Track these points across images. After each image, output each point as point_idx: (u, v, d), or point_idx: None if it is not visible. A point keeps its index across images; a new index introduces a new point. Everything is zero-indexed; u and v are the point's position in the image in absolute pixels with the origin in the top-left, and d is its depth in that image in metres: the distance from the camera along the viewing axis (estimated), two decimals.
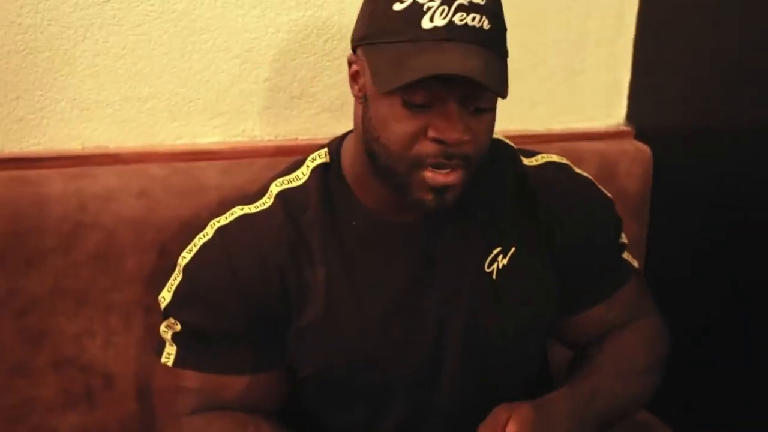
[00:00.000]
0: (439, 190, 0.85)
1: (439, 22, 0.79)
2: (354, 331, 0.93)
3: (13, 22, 1.11)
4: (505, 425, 0.87)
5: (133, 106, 1.21)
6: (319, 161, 0.98)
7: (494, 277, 0.97)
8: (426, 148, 0.83)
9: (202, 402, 0.93)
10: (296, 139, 1.31)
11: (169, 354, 0.94)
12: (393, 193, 0.89)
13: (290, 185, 0.96)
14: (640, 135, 1.50)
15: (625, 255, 1.12)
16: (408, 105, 0.81)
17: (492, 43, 0.82)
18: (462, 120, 0.81)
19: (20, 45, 1.12)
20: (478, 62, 0.79)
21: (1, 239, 1.08)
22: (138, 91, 1.21)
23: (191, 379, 0.93)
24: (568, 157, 1.11)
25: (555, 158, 1.08)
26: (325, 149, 0.99)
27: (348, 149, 0.97)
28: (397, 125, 0.82)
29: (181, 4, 1.18)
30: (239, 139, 1.29)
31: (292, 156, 1.23)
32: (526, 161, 1.05)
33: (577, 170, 1.10)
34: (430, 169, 0.84)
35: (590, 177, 1.10)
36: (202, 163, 1.21)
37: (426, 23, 0.79)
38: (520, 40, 1.38)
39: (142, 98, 1.21)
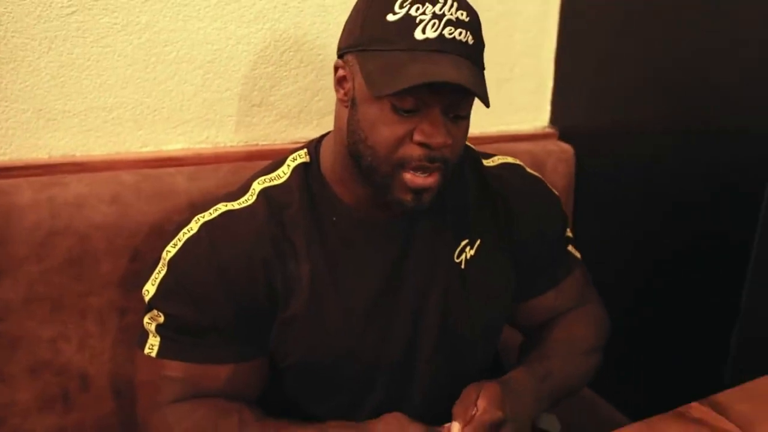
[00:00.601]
0: (418, 191, 0.84)
1: (431, 34, 0.78)
2: (336, 324, 0.91)
3: None
4: (476, 401, 0.88)
5: (99, 115, 1.15)
6: (299, 161, 0.95)
7: (463, 266, 0.97)
8: (411, 151, 0.82)
9: (185, 391, 0.89)
10: (257, 144, 1.27)
11: (153, 345, 0.89)
12: (373, 192, 0.88)
13: (272, 183, 0.93)
14: (563, 136, 1.53)
15: (570, 248, 1.13)
16: (397, 110, 0.80)
17: (475, 56, 0.83)
18: (445, 126, 0.81)
19: None
20: (467, 73, 0.79)
21: None
22: (103, 101, 1.14)
23: (175, 369, 0.89)
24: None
25: (509, 159, 1.09)
26: (305, 149, 0.96)
27: (327, 149, 0.94)
28: (386, 128, 0.81)
29: (145, 16, 1.13)
30: (203, 145, 1.24)
31: (255, 161, 1.21)
32: (485, 162, 1.06)
33: (529, 170, 1.10)
34: (411, 172, 0.83)
35: (540, 176, 1.11)
36: (171, 169, 1.16)
37: (419, 34, 0.78)
38: None
39: (108, 108, 1.15)
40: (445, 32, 0.79)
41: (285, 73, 1.26)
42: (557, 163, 1.47)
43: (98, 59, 1.12)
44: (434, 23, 0.79)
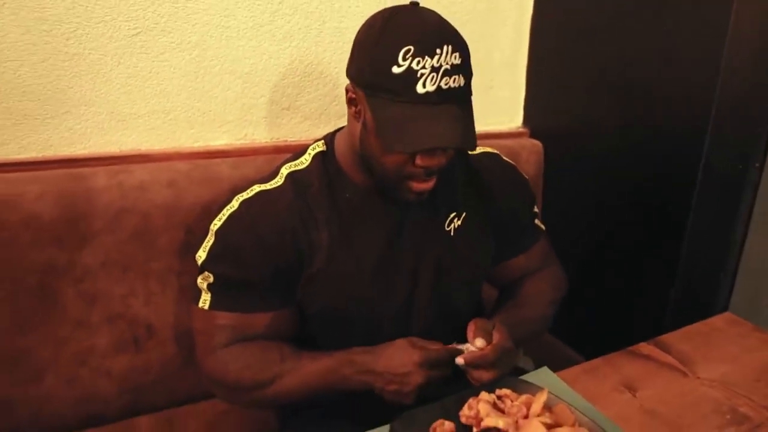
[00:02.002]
0: (420, 193, 0.85)
1: (430, 87, 0.75)
2: (350, 278, 0.90)
3: (61, 51, 1.03)
4: (491, 331, 0.87)
5: (159, 117, 1.14)
6: (318, 149, 0.94)
7: (452, 234, 0.96)
8: (414, 170, 0.82)
9: (234, 336, 0.89)
10: (286, 140, 1.26)
11: (205, 300, 0.89)
12: (386, 190, 0.88)
13: (297, 168, 0.92)
14: (534, 134, 1.50)
15: (537, 221, 1.12)
16: None
17: (466, 96, 0.81)
18: (440, 152, 0.81)
19: (67, 69, 1.04)
20: (461, 127, 0.77)
21: (59, 223, 1.00)
22: (162, 105, 1.14)
23: (224, 318, 0.89)
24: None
25: (489, 149, 1.07)
26: (322, 140, 0.95)
27: (341, 142, 0.93)
28: (394, 157, 0.81)
29: (195, 36, 1.12)
30: (242, 141, 1.23)
31: (283, 154, 1.18)
32: (469, 152, 1.03)
33: (504, 158, 1.09)
34: (415, 180, 0.83)
35: (514, 163, 1.10)
36: (217, 160, 1.15)
37: (420, 88, 0.75)
38: None
39: (166, 111, 1.14)
40: (442, 84, 0.75)
41: (308, 83, 1.25)
42: (529, 155, 1.44)
43: (158, 71, 1.11)
44: (432, 77, 0.75)
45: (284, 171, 0.93)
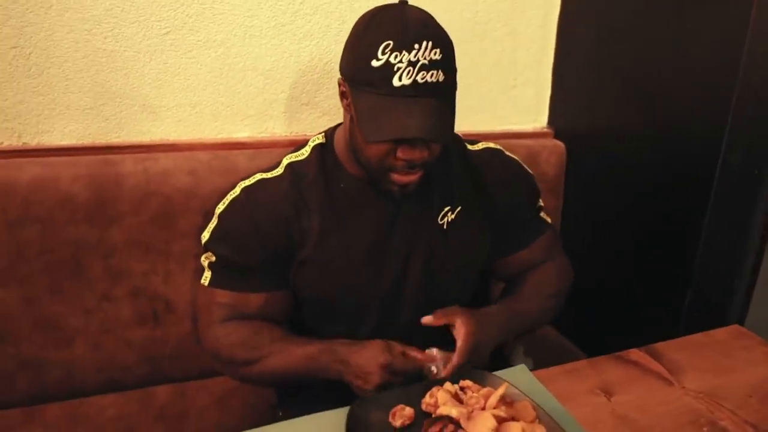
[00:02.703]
0: (402, 185, 0.87)
1: (406, 81, 0.77)
2: (338, 265, 0.93)
3: (99, 48, 1.13)
4: (454, 317, 0.91)
5: (186, 110, 1.23)
6: (317, 142, 0.98)
7: (445, 227, 0.97)
8: (395, 162, 0.84)
9: (230, 313, 0.95)
10: (305, 134, 1.31)
11: (206, 277, 0.96)
12: (373, 182, 0.91)
13: (296, 159, 0.97)
14: (558, 135, 1.48)
15: (542, 214, 1.12)
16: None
17: (445, 91, 0.81)
18: (421, 146, 0.83)
19: (104, 65, 1.15)
20: (434, 120, 0.79)
21: (91, 204, 1.11)
22: (189, 99, 1.22)
23: (222, 296, 0.95)
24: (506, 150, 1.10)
25: (491, 145, 1.08)
26: (323, 133, 1.00)
27: (339, 135, 0.97)
28: (374, 147, 0.83)
29: (220, 35, 1.20)
30: (263, 135, 1.29)
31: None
32: (470, 147, 1.05)
33: (508, 153, 1.09)
34: (397, 172, 0.86)
35: (517, 158, 1.10)
36: (236, 151, 1.22)
37: (396, 81, 0.77)
38: (469, 65, 1.40)
39: (192, 104, 1.23)
40: (418, 78, 0.77)
41: (327, 80, 1.29)
42: (550, 155, 1.43)
43: (186, 67, 1.20)
44: (409, 71, 0.77)
45: (285, 161, 0.98)
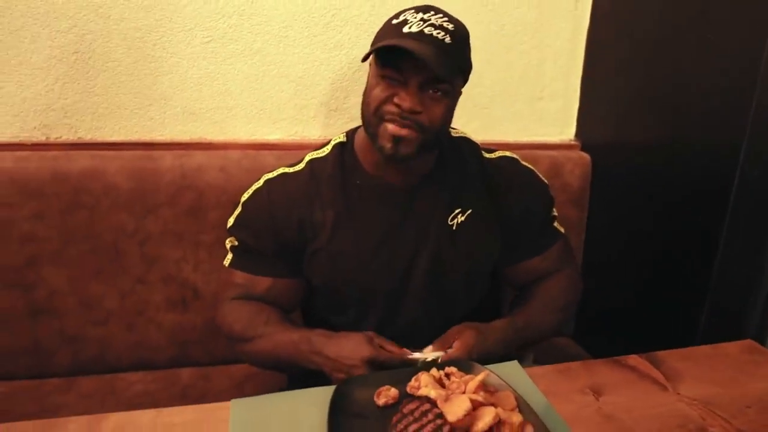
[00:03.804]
0: (396, 140, 0.89)
1: (414, 29, 0.86)
2: (349, 256, 0.98)
3: (148, 54, 1.26)
4: (452, 341, 0.93)
5: (223, 112, 1.34)
6: (338, 140, 1.04)
7: (454, 228, 1.00)
8: (389, 108, 0.89)
9: (241, 293, 1.02)
10: (329, 141, 1.39)
11: (228, 259, 1.04)
12: (377, 152, 0.93)
13: (318, 156, 1.03)
14: (585, 147, 1.49)
15: (556, 224, 1.13)
16: (384, 78, 0.88)
17: (449, 52, 0.87)
18: (418, 96, 0.87)
19: (152, 69, 1.27)
20: (429, 53, 0.84)
21: (131, 194, 1.23)
22: (226, 103, 1.33)
23: (238, 276, 1.03)
24: (527, 161, 1.12)
25: (508, 153, 1.11)
26: (345, 133, 1.06)
27: (360, 133, 1.02)
28: (376, 90, 0.89)
29: (256, 44, 1.30)
30: (294, 138, 1.39)
31: None
32: (486, 155, 1.08)
33: (523, 163, 1.11)
34: (390, 123, 0.89)
35: (533, 167, 1.12)
36: (265, 152, 1.31)
37: (405, 29, 0.86)
38: (497, 77, 1.45)
39: (229, 108, 1.34)
40: (425, 29, 0.86)
41: (356, 87, 1.37)
42: (574, 167, 1.44)
43: (224, 74, 1.31)
44: (419, 23, 0.87)
45: (307, 158, 1.05)
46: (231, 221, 1.05)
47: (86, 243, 1.23)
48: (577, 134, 1.53)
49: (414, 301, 1.02)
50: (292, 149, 1.35)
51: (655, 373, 0.90)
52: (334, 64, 1.35)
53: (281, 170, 1.04)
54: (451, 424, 0.70)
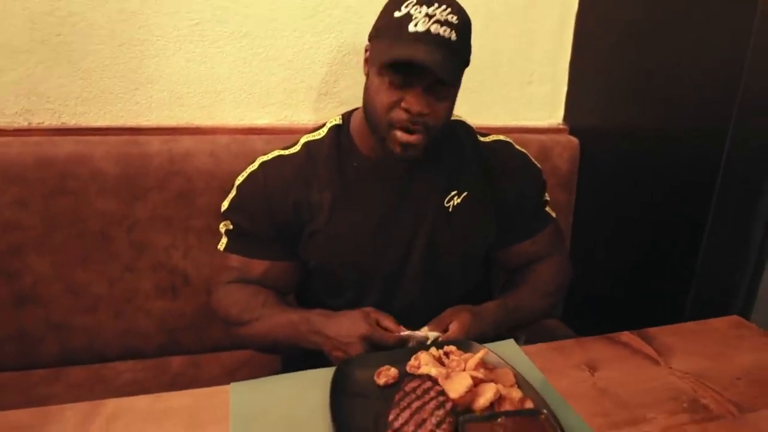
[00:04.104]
0: (405, 146, 0.91)
1: (420, 27, 0.84)
2: (347, 238, 0.98)
3: (133, 37, 1.24)
4: (449, 323, 0.93)
5: (210, 96, 1.32)
6: (334, 123, 1.04)
7: (450, 210, 1.01)
8: (398, 115, 0.89)
9: (237, 276, 1.02)
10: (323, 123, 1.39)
11: (223, 243, 1.04)
12: (379, 145, 0.95)
13: (313, 138, 1.03)
14: (573, 131, 1.51)
15: (547, 208, 1.15)
16: (391, 84, 0.88)
17: (455, 50, 0.87)
18: (425, 99, 0.87)
19: (137, 53, 1.25)
20: (438, 58, 0.84)
21: (119, 179, 1.21)
22: (214, 87, 1.31)
23: (233, 260, 1.03)
24: (517, 144, 1.12)
25: (502, 137, 1.12)
26: (340, 116, 1.06)
27: (356, 117, 1.03)
28: (382, 96, 0.89)
29: (245, 27, 1.29)
30: (283, 122, 1.37)
31: None
32: (481, 138, 1.09)
33: (517, 146, 1.12)
34: (399, 130, 0.90)
35: (526, 152, 1.13)
36: (254, 137, 1.30)
37: (411, 27, 0.84)
38: (486, 61, 1.45)
39: (217, 92, 1.32)
40: (431, 28, 0.84)
41: (345, 71, 1.37)
42: (563, 151, 1.45)
43: (212, 57, 1.29)
44: (424, 20, 0.84)
45: (303, 140, 1.05)
46: (225, 204, 1.05)
47: (72, 229, 1.21)
48: (566, 118, 1.55)
49: (411, 283, 1.03)
50: (281, 133, 1.34)
51: (647, 349, 0.92)
52: (323, 48, 1.34)
53: (276, 153, 1.04)
54: (453, 400, 0.71)
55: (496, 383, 0.75)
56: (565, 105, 1.54)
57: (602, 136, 1.44)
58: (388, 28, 0.88)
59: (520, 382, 0.78)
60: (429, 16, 0.85)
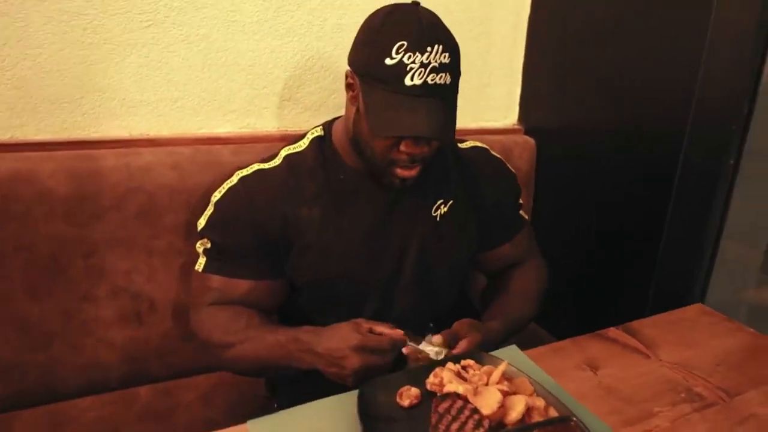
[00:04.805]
0: (404, 179, 0.92)
1: (417, 81, 0.82)
2: (339, 253, 0.97)
3: (78, 40, 1.12)
4: (459, 339, 0.92)
5: (167, 104, 1.23)
6: (316, 134, 1.02)
7: (438, 219, 1.03)
8: (399, 155, 0.89)
9: (218, 298, 0.97)
10: (287, 130, 1.34)
11: (201, 263, 0.99)
12: (373, 172, 0.95)
13: (294, 150, 1.00)
14: (528, 131, 1.57)
15: (521, 212, 1.19)
16: None
17: (450, 93, 0.87)
18: (424, 142, 0.88)
19: (83, 58, 1.14)
20: (440, 121, 0.84)
21: (70, 200, 1.10)
22: (170, 94, 1.22)
23: (214, 281, 0.98)
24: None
25: (478, 143, 1.14)
26: (321, 126, 1.03)
27: (337, 129, 1.01)
28: (380, 141, 0.88)
29: (203, 30, 1.21)
30: (245, 130, 1.31)
31: (284, 143, 1.27)
32: (460, 145, 1.12)
33: (493, 152, 1.16)
34: (400, 167, 0.91)
35: (502, 158, 1.17)
36: (219, 146, 1.23)
37: (407, 81, 0.82)
38: None
39: (173, 99, 1.23)
40: (428, 79, 0.83)
41: (309, 76, 1.33)
42: (522, 151, 1.51)
43: (167, 62, 1.20)
44: (420, 72, 0.82)
45: (283, 153, 1.01)
46: (202, 222, 0.99)
47: (18, 257, 1.09)
48: (520, 119, 1.60)
49: (404, 295, 1.03)
50: (246, 142, 1.28)
51: (634, 343, 0.99)
52: (286, 52, 1.29)
53: (256, 166, 1.00)
54: (487, 417, 0.72)
55: (518, 394, 0.78)
56: (519, 106, 1.59)
57: (556, 136, 1.50)
58: (381, 78, 0.84)
59: (538, 390, 0.81)
60: (425, 66, 0.83)
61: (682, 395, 0.86)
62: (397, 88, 0.83)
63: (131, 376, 1.21)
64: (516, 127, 1.60)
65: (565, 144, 1.48)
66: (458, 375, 0.82)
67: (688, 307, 1.11)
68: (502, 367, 0.80)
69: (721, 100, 1.09)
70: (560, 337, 1.38)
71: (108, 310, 1.16)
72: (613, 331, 1.02)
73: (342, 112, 1.35)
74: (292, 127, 1.35)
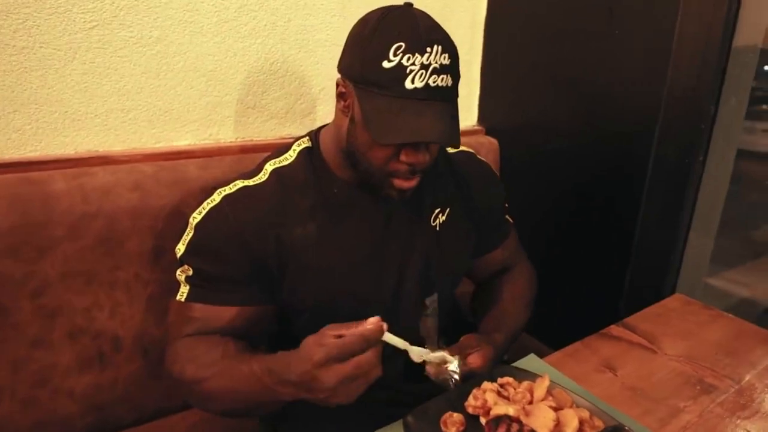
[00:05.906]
0: (403, 191, 0.86)
1: (418, 84, 0.76)
2: (338, 273, 0.90)
3: (8, 44, 0.95)
4: (472, 353, 0.87)
5: (118, 116, 1.08)
6: (303, 146, 0.93)
7: (437, 228, 0.98)
8: (398, 166, 0.83)
9: (198, 328, 0.86)
10: (252, 140, 1.23)
11: (183, 292, 0.86)
12: (368, 184, 0.88)
13: (281, 164, 0.91)
14: (488, 132, 1.56)
15: (507, 216, 1.17)
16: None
17: (453, 94, 0.82)
18: (424, 149, 0.83)
19: (15, 65, 0.96)
20: (447, 125, 0.78)
21: (14, 232, 0.92)
22: (122, 104, 1.07)
23: (195, 310, 0.86)
24: None
25: (464, 148, 1.11)
26: (307, 137, 0.94)
27: (326, 139, 0.93)
28: (379, 151, 0.82)
29: (156, 31, 1.07)
30: (207, 141, 1.18)
31: (251, 153, 1.17)
32: (448, 150, 1.07)
33: (480, 157, 1.12)
34: (398, 178, 0.85)
35: (488, 162, 1.14)
36: (182, 161, 1.10)
37: (408, 84, 0.76)
38: None
39: (125, 110, 1.08)
40: (430, 81, 0.77)
41: (274, 81, 1.22)
42: (487, 153, 1.49)
43: (116, 68, 1.05)
44: (421, 74, 0.76)
45: (268, 167, 0.91)
46: (181, 248, 0.88)
47: None
48: (480, 119, 1.59)
49: (409, 307, 0.97)
50: (209, 155, 1.15)
51: (638, 339, 1.00)
52: (249, 55, 1.18)
53: (240, 183, 0.90)
54: None
55: (561, 407, 0.75)
56: (478, 107, 1.58)
57: (518, 136, 1.50)
58: (379, 83, 0.78)
59: (576, 399, 0.79)
60: (425, 67, 0.77)
61: (698, 388, 0.88)
62: (397, 92, 0.77)
63: (97, 428, 1.04)
64: (477, 128, 1.58)
65: (528, 144, 1.48)
66: (498, 395, 0.78)
67: (669, 299, 1.15)
68: (545, 382, 0.76)
69: (689, 98, 1.12)
70: (540, 337, 1.42)
71: (65, 354, 1.00)
72: (615, 329, 1.03)
73: (310, 119, 1.27)
74: (258, 137, 1.24)
